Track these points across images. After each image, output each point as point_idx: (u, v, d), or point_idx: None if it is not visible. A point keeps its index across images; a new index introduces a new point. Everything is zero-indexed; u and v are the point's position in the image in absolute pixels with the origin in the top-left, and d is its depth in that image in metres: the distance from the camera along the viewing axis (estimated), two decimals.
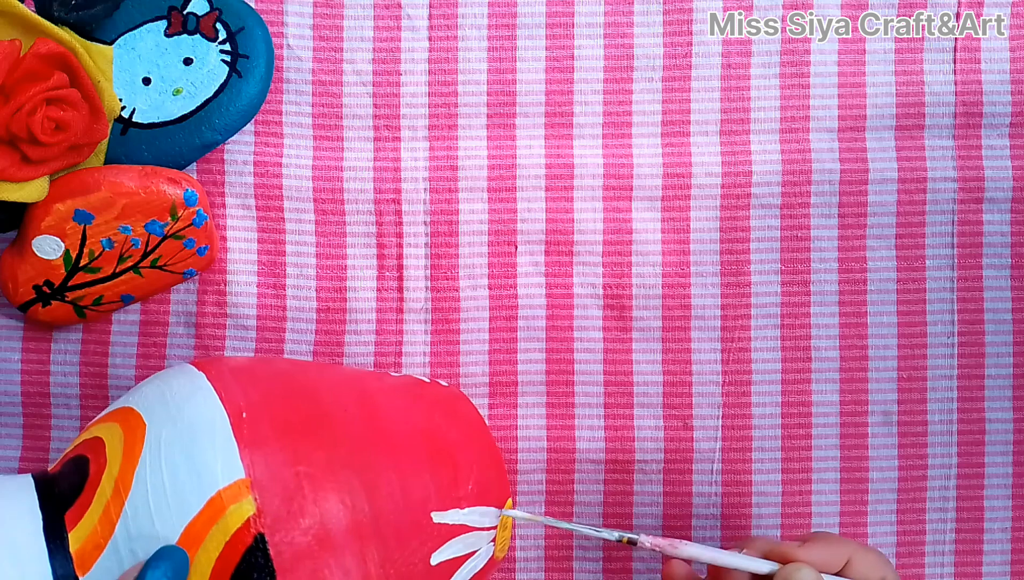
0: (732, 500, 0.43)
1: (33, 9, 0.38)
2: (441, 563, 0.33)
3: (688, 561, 0.36)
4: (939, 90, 0.43)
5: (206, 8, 0.41)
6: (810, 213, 0.43)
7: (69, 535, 0.30)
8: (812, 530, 0.43)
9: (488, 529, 0.35)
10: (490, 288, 0.43)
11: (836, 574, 0.34)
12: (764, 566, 0.34)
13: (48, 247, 0.39)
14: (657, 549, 0.34)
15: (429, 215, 0.43)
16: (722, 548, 0.35)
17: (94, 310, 0.41)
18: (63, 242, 0.39)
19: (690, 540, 0.38)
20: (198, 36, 0.40)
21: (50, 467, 0.34)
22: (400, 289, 0.43)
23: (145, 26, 0.40)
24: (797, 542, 0.35)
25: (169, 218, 0.40)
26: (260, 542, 0.29)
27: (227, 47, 0.40)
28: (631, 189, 0.43)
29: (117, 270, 0.40)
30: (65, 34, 0.38)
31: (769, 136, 0.43)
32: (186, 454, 0.30)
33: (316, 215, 0.42)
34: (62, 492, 0.31)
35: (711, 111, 0.43)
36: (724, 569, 0.34)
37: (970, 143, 0.43)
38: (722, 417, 0.43)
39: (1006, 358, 0.43)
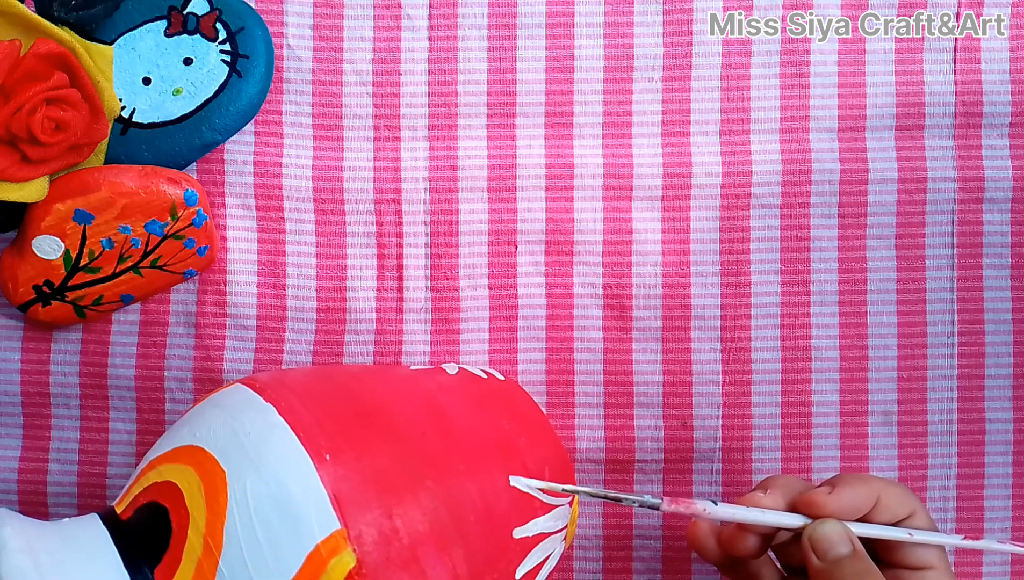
0: (732, 500, 0.43)
1: (33, 9, 0.38)
2: (523, 576, 0.33)
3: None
4: (939, 90, 0.43)
5: (206, 8, 0.41)
6: (810, 213, 0.43)
7: None
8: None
9: (561, 530, 0.35)
10: (490, 288, 0.43)
11: (866, 516, 0.34)
12: (795, 520, 0.34)
13: (48, 247, 0.39)
14: (683, 511, 0.33)
15: (429, 215, 0.43)
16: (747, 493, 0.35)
17: (94, 310, 0.41)
18: (63, 242, 0.39)
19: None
20: (198, 36, 0.40)
21: (114, 504, 0.32)
22: (400, 289, 0.43)
23: (145, 26, 0.40)
24: (826, 487, 0.34)
25: (169, 218, 0.40)
26: None
27: (227, 47, 0.40)
28: (631, 189, 0.43)
29: (117, 270, 0.40)
30: (65, 34, 0.38)
31: (769, 136, 0.43)
32: (277, 508, 0.29)
33: (316, 215, 0.42)
34: (145, 547, 0.30)
35: (711, 111, 0.43)
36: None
37: (970, 143, 0.43)
38: (722, 417, 0.43)
39: (1006, 358, 0.43)
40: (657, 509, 0.33)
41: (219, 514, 0.29)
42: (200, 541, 0.29)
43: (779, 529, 0.34)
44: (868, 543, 0.34)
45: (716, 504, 0.33)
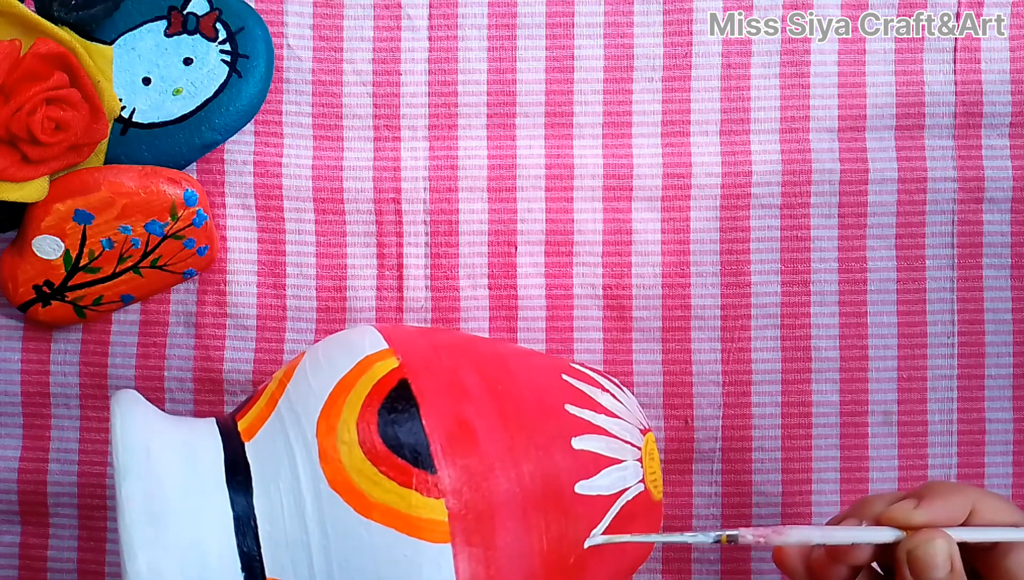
0: (732, 500, 0.43)
1: (33, 9, 0.38)
2: (584, 451, 0.33)
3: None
4: (939, 90, 0.43)
5: (206, 8, 0.41)
6: (810, 213, 0.43)
7: (238, 422, 0.33)
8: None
9: (630, 443, 0.35)
10: (490, 288, 0.43)
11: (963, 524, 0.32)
12: (887, 535, 0.32)
13: (48, 247, 0.39)
14: (763, 541, 0.32)
15: (429, 215, 0.43)
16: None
17: (94, 310, 0.41)
18: (63, 242, 0.39)
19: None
20: (198, 36, 0.40)
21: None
22: (400, 288, 0.43)
23: (145, 26, 0.40)
24: (912, 500, 0.32)
25: (169, 218, 0.40)
26: (404, 384, 0.32)
27: (227, 47, 0.40)
28: (631, 189, 0.43)
29: (117, 270, 0.40)
30: (65, 34, 0.38)
31: (769, 136, 0.43)
32: (339, 344, 0.34)
33: (316, 215, 0.42)
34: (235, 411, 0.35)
35: (711, 111, 0.43)
36: (843, 546, 0.32)
37: (970, 143, 0.43)
38: (722, 417, 0.43)
39: (1006, 358, 0.43)
40: (736, 543, 0.32)
41: (295, 365, 0.34)
42: (276, 383, 0.34)
43: (871, 558, 0.33)
44: (965, 559, 0.32)
45: (799, 528, 0.32)
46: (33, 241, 0.39)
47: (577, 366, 0.37)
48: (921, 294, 0.43)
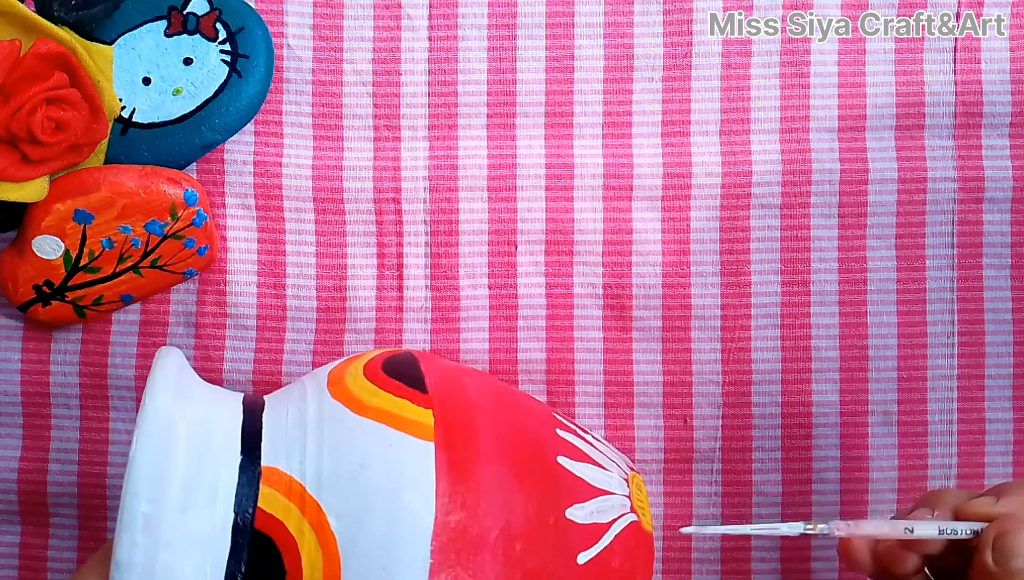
0: (732, 500, 0.43)
1: (33, 9, 0.38)
2: (572, 473, 0.34)
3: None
4: (939, 90, 0.43)
5: (206, 8, 0.41)
6: (810, 213, 0.43)
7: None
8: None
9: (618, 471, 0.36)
10: (490, 288, 0.43)
11: None
12: (969, 529, 0.32)
13: (48, 247, 0.39)
14: (839, 534, 0.32)
15: (429, 214, 0.43)
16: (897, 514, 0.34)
17: (94, 310, 0.41)
18: (63, 242, 0.39)
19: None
20: (198, 36, 0.40)
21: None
22: (400, 288, 0.43)
23: (145, 26, 0.40)
24: (992, 496, 0.33)
25: (169, 218, 0.40)
26: (410, 354, 0.35)
27: (227, 47, 0.40)
28: (631, 189, 0.43)
29: (117, 270, 0.40)
30: (65, 34, 0.38)
31: (769, 136, 0.43)
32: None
33: (316, 215, 0.42)
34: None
35: (711, 111, 0.43)
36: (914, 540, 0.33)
37: (970, 143, 0.43)
38: (722, 417, 0.43)
39: (1006, 358, 0.43)
40: (820, 534, 0.32)
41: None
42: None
43: (944, 550, 0.33)
44: None
45: (882, 522, 0.33)
46: (33, 241, 0.39)
47: (563, 420, 0.37)
48: (921, 294, 0.43)
